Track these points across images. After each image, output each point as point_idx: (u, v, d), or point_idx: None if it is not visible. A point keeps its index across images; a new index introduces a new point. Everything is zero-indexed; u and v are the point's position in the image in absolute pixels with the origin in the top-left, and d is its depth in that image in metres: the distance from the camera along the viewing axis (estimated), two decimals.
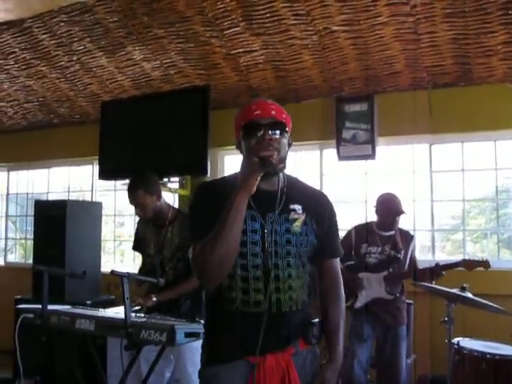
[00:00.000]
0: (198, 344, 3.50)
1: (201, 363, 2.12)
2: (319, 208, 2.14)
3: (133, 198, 3.66)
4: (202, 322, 3.12)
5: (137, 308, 3.43)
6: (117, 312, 3.25)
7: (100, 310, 3.51)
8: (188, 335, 2.69)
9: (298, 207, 2.08)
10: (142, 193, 3.63)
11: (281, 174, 2.11)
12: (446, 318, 3.56)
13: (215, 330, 2.05)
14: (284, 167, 2.08)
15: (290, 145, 2.10)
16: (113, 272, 2.88)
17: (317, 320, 2.12)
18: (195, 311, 3.62)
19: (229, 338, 1.98)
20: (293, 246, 2.03)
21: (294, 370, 1.99)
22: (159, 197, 3.72)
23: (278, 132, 2.02)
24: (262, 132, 2.00)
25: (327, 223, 2.15)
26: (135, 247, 3.99)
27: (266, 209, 2.02)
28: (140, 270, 3.90)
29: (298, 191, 2.14)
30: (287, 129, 2.06)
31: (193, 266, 1.96)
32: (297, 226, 2.05)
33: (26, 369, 3.77)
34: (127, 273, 2.95)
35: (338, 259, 2.24)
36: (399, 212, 4.26)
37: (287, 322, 2.01)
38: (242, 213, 1.89)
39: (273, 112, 2.04)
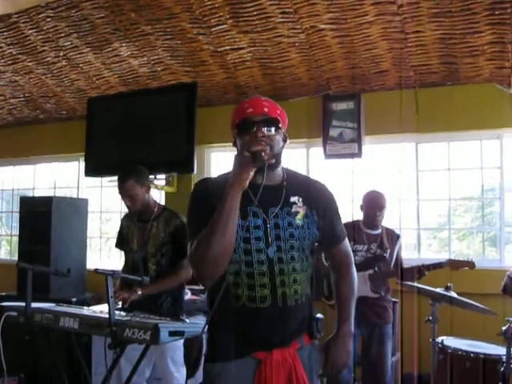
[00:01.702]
0: (179, 342, 3.55)
1: (205, 359, 2.12)
2: (319, 198, 2.16)
3: (123, 188, 3.66)
4: (187, 320, 3.13)
5: (120, 304, 3.41)
6: (101, 310, 3.22)
7: (84, 307, 3.48)
8: (172, 334, 2.67)
9: (298, 199, 2.09)
10: (132, 183, 3.63)
11: (279, 169, 2.13)
12: (431, 317, 3.57)
13: (221, 327, 2.05)
14: (278, 163, 2.08)
15: (284, 141, 2.11)
16: (97, 270, 2.86)
17: (319, 315, 2.16)
18: (177, 309, 3.62)
19: (235, 335, 1.98)
20: (296, 240, 2.04)
21: (300, 364, 2.02)
22: (148, 189, 3.73)
23: (271, 128, 2.03)
24: (254, 129, 2.00)
25: (328, 212, 2.17)
26: (118, 244, 3.98)
27: (268, 204, 2.03)
28: (123, 267, 3.88)
29: (297, 184, 2.15)
30: (280, 125, 2.06)
31: (190, 263, 1.97)
32: (299, 219, 2.07)
33: (11, 366, 3.74)
34: (112, 271, 2.92)
35: (346, 240, 2.28)
36: (381, 206, 4.28)
37: (293, 315, 2.03)
38: (236, 208, 1.90)
39: (265, 109, 2.04)
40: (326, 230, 2.15)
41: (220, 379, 2.01)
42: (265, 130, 2.01)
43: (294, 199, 2.09)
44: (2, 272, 6.80)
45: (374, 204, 4.30)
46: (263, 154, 1.92)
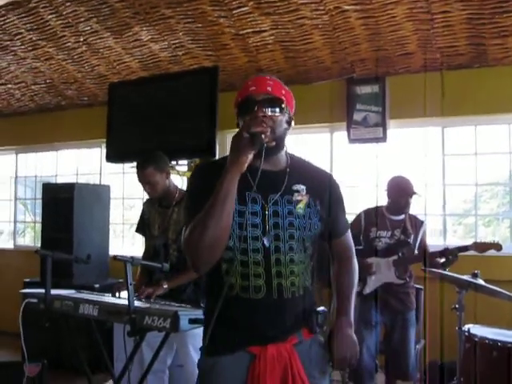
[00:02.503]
0: (201, 330, 3.50)
1: (201, 352, 2.04)
2: (324, 188, 2.05)
3: (143, 175, 3.64)
4: None
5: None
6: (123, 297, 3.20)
7: (105, 294, 3.47)
8: (192, 321, 2.64)
9: (301, 188, 1.99)
10: (152, 170, 3.61)
11: (283, 154, 2.03)
12: (457, 305, 3.49)
13: (215, 318, 1.92)
14: (280, 146, 1.98)
15: (289, 123, 2.00)
16: (116, 257, 2.83)
17: (321, 308, 2.05)
18: (199, 296, 3.58)
19: (228, 327, 1.90)
20: (296, 230, 1.94)
21: (297, 360, 1.91)
22: (168, 175, 3.70)
23: (274, 109, 1.93)
24: (256, 108, 1.90)
25: (333, 204, 2.06)
26: (139, 229, 3.95)
27: (268, 190, 1.93)
28: (144, 254, 3.86)
29: (301, 171, 2.05)
30: (284, 105, 1.96)
31: (184, 248, 1.89)
32: (300, 208, 1.96)
33: (33, 352, 3.77)
34: (131, 257, 2.90)
35: (348, 232, 2.18)
36: (412, 192, 4.20)
37: (289, 309, 1.93)
38: (233, 192, 1.81)
39: (269, 88, 1.94)
40: (328, 222, 2.05)
41: (212, 374, 1.93)
42: (267, 110, 1.91)
43: (296, 187, 1.99)
44: (26, 258, 6.82)
45: (404, 191, 4.22)
46: (263, 136, 1.82)
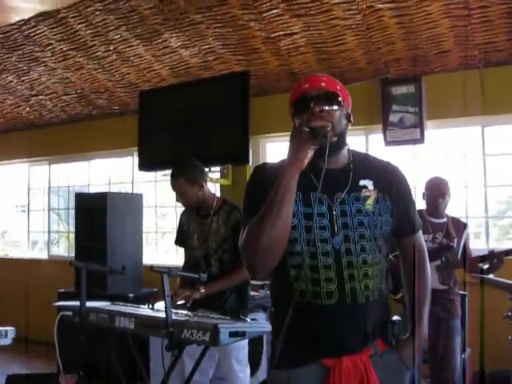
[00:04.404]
0: (245, 341, 3.41)
1: (269, 365, 1.94)
2: (392, 182, 1.93)
3: (174, 185, 3.62)
4: (248, 319, 2.99)
5: (182, 302, 3.30)
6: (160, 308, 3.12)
7: (141, 306, 3.38)
8: (233, 334, 2.52)
9: (368, 183, 1.88)
10: (182, 181, 3.56)
11: (345, 151, 1.92)
12: (510, 313, 3.32)
13: (284, 328, 1.80)
14: (342, 143, 1.88)
15: (348, 119, 1.90)
16: (152, 268, 2.75)
17: (397, 318, 1.93)
18: (240, 307, 3.50)
19: (299, 337, 1.79)
20: (366, 228, 1.82)
21: (372, 372, 1.79)
22: (201, 186, 3.61)
23: (331, 104, 1.84)
24: (312, 105, 1.81)
25: (402, 197, 1.95)
26: (178, 241, 3.88)
27: (333, 188, 1.83)
28: (184, 265, 3.79)
29: (366, 166, 1.94)
30: (340, 99, 1.86)
31: (240, 251, 1.80)
32: (369, 204, 1.85)
33: (69, 364, 3.72)
34: (168, 269, 2.81)
35: (420, 232, 2.06)
36: (442, 192, 4.07)
37: (364, 314, 1.81)
38: (292, 191, 1.71)
39: (322, 84, 1.85)
40: (400, 217, 1.92)
41: None
42: (324, 105, 1.81)
43: (363, 183, 1.87)
44: (60, 268, 6.80)
45: (435, 190, 4.10)
46: (325, 130, 1.73)
